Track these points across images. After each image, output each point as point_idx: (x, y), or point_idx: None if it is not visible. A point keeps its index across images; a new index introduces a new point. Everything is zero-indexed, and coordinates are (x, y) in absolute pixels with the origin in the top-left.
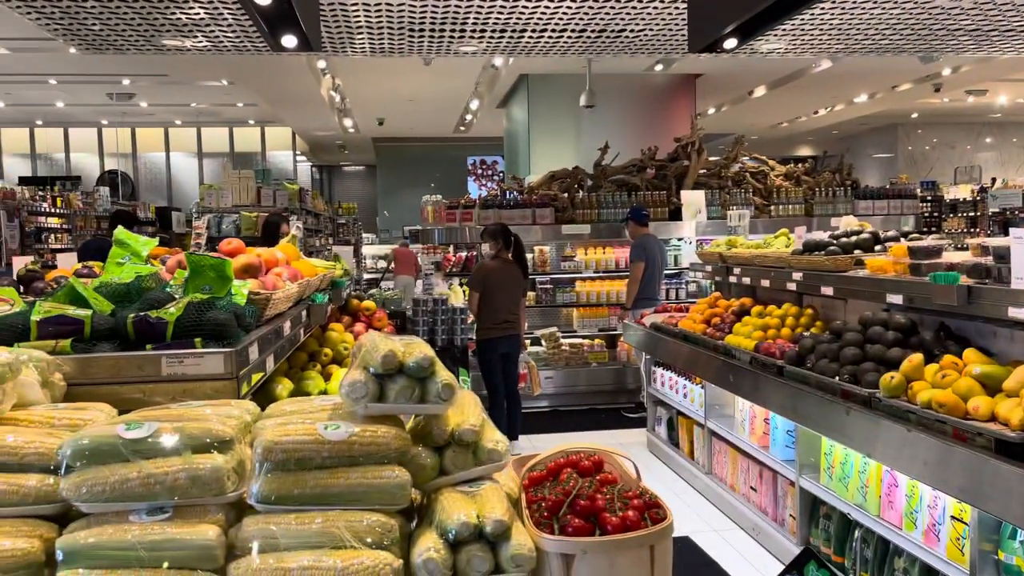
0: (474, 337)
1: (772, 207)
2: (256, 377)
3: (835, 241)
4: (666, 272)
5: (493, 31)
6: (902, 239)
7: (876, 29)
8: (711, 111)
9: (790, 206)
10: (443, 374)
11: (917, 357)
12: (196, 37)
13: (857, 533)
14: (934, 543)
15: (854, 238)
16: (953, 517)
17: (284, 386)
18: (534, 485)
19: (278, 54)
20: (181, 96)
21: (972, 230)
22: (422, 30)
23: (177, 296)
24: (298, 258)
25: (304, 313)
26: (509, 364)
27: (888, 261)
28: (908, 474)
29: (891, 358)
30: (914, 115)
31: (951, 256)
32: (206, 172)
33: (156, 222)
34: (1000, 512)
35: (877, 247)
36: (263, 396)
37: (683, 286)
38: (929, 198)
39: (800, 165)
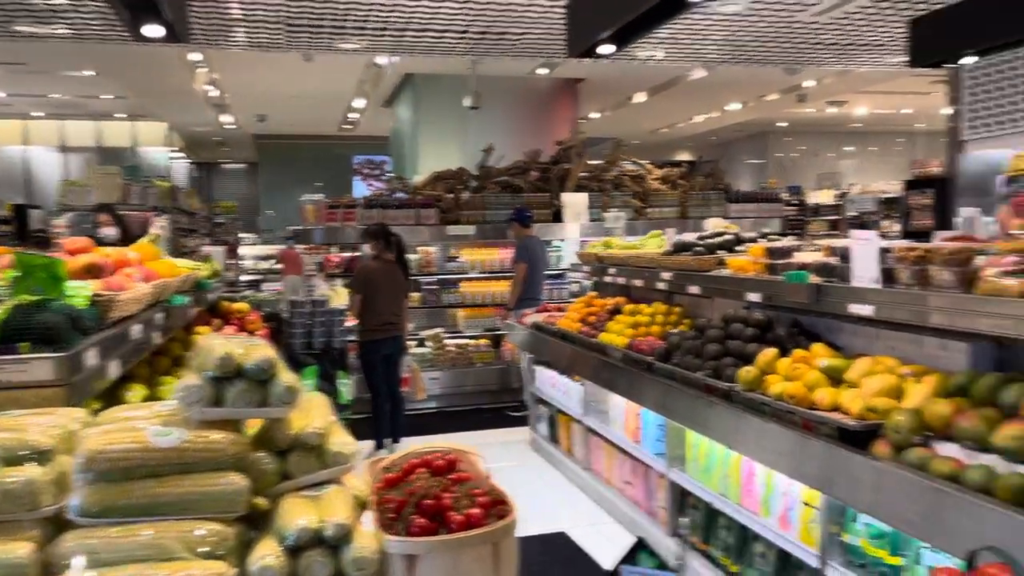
0: (356, 339)
1: (649, 209)
2: (97, 384)
3: (701, 242)
4: (548, 273)
5: (374, 29)
6: (760, 240)
7: (743, 41)
8: (594, 115)
9: (666, 208)
10: (285, 376)
11: (771, 352)
12: (54, 24)
13: (720, 521)
14: (788, 528)
15: (718, 239)
16: (804, 503)
17: (136, 392)
18: (388, 487)
19: (147, 45)
20: (41, 86)
21: (833, 232)
22: (300, 25)
23: (4, 298)
24: (156, 258)
25: (162, 316)
26: (391, 365)
27: (748, 261)
28: (764, 463)
29: (749, 353)
30: (782, 124)
31: (803, 256)
32: (72, 168)
33: (13, 220)
34: (843, 497)
35: (739, 247)
36: (115, 404)
37: (566, 286)
38: (795, 202)
39: (676, 169)
